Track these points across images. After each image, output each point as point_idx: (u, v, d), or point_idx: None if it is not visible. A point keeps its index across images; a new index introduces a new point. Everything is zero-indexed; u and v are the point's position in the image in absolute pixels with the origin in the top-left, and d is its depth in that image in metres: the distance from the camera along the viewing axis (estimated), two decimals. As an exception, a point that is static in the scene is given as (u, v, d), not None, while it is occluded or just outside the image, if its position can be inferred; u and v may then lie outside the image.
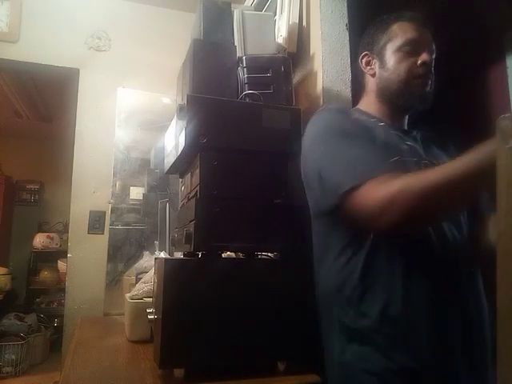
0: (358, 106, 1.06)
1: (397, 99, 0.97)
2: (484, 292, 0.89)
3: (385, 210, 0.73)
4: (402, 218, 0.72)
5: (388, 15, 1.01)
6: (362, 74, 1.05)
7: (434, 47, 0.97)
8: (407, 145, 0.93)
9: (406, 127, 1.03)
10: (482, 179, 0.63)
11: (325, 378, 0.94)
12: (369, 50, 1.02)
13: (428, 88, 0.95)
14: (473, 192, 0.71)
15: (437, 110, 1.04)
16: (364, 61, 1.03)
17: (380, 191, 0.74)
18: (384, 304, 0.81)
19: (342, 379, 0.86)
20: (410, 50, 0.94)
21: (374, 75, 1.01)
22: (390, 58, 0.96)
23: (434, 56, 0.97)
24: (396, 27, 0.97)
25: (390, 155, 0.86)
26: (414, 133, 1.01)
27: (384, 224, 0.75)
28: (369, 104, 1.02)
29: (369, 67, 1.02)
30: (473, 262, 0.89)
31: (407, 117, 1.03)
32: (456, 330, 0.81)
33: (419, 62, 0.93)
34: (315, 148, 0.92)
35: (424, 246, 0.83)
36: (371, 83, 1.02)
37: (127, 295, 1.32)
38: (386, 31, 0.99)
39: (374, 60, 1.01)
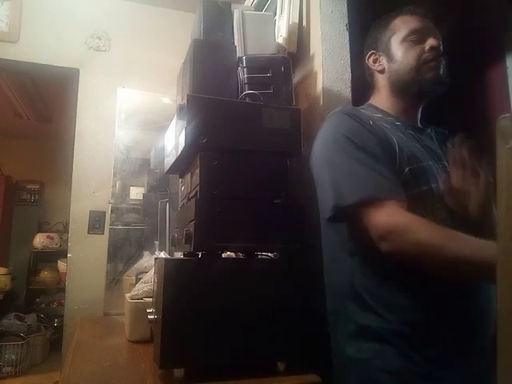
0: (370, 102, 1.04)
1: (411, 88, 0.96)
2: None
3: (387, 237, 0.76)
4: (397, 252, 0.76)
5: (388, 14, 1.02)
6: (371, 72, 1.05)
7: (439, 35, 0.97)
8: (425, 145, 0.93)
9: (419, 123, 1.01)
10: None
11: (325, 378, 0.94)
12: (374, 49, 1.03)
13: (441, 71, 0.94)
14: (476, 277, 0.74)
15: (436, 110, 1.04)
16: (371, 59, 1.04)
17: (387, 218, 0.77)
18: (402, 309, 0.83)
19: (357, 377, 0.87)
20: (416, 38, 0.95)
21: (383, 71, 1.01)
22: (397, 50, 0.97)
23: (440, 42, 0.97)
24: (398, 21, 0.99)
25: (409, 162, 0.85)
26: (429, 130, 1.00)
27: (383, 247, 0.78)
28: (381, 100, 1.02)
29: (377, 64, 1.02)
30: None
31: (420, 111, 1.01)
32: (468, 334, 0.81)
33: (427, 47, 0.94)
34: (331, 157, 0.89)
35: None
36: (382, 79, 1.02)
37: (127, 295, 1.32)
38: (388, 27, 1.00)
39: (381, 56, 1.01)
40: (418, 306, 0.82)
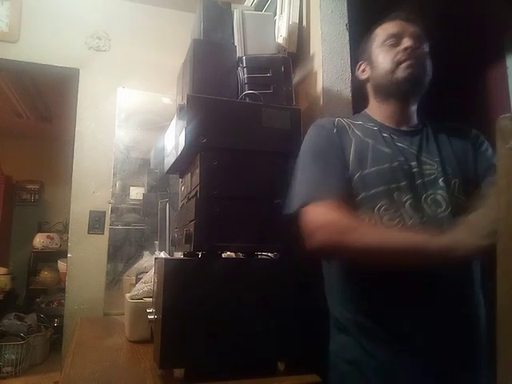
0: (365, 110, 1.06)
1: (390, 90, 0.97)
2: (478, 284, 0.89)
3: (312, 235, 0.82)
4: (321, 249, 0.83)
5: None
6: (362, 83, 1.07)
7: (420, 35, 0.97)
8: (395, 147, 0.92)
9: (414, 122, 0.99)
10: (417, 261, 0.72)
11: (325, 378, 0.95)
12: (362, 59, 1.06)
13: (416, 70, 0.93)
14: (402, 265, 0.74)
15: (437, 110, 1.04)
16: (360, 70, 1.06)
17: (317, 216, 0.83)
18: (360, 301, 0.88)
19: (330, 367, 0.93)
20: (393, 42, 0.96)
21: (368, 79, 1.04)
22: (377, 56, 0.99)
23: (423, 43, 0.96)
24: (378, 29, 1.01)
25: (363, 167, 0.90)
26: (419, 128, 0.98)
27: (310, 246, 0.83)
28: (371, 108, 1.04)
29: (364, 73, 1.05)
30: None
31: (414, 110, 1.00)
32: (427, 325, 0.82)
33: (401, 47, 0.94)
34: (297, 161, 0.96)
35: None
36: (369, 87, 1.05)
37: (127, 295, 1.32)
38: (370, 36, 1.03)
39: (367, 66, 1.04)
40: (374, 298, 0.85)
